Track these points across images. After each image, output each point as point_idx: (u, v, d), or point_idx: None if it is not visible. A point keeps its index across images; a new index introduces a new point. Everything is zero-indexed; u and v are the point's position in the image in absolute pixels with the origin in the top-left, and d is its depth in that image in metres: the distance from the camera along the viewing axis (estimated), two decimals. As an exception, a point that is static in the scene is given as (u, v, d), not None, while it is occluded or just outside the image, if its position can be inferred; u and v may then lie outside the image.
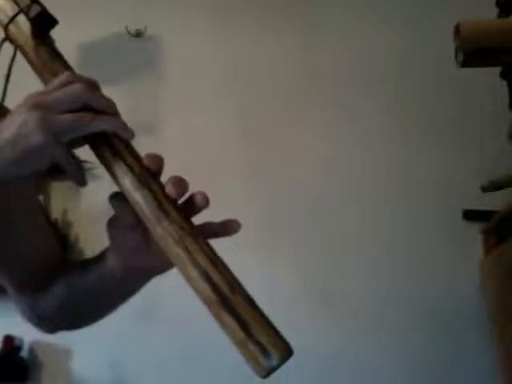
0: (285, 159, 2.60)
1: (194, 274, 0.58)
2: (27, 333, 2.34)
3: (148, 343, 2.37)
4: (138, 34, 2.77)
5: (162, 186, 0.63)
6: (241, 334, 0.56)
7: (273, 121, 2.64)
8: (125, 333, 2.26)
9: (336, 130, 2.63)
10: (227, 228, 0.65)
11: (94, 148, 0.66)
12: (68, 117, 0.63)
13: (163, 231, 0.61)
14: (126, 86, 2.65)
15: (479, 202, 2.40)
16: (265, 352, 0.55)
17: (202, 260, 0.59)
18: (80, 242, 2.33)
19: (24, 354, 2.38)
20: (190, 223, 0.62)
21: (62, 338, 2.41)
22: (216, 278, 0.58)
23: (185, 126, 2.64)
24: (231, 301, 0.57)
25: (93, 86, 0.66)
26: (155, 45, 2.80)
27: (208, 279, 0.58)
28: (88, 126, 0.63)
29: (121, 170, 0.63)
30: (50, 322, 0.87)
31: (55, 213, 2.50)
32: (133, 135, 0.65)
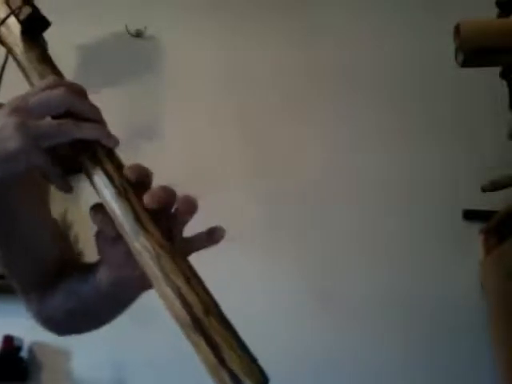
0: (285, 159, 2.60)
1: (169, 292, 0.56)
2: (27, 333, 2.34)
3: (147, 343, 2.36)
4: (138, 34, 2.77)
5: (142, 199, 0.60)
6: (212, 359, 0.52)
7: (273, 121, 2.64)
8: (124, 333, 2.25)
9: (336, 130, 2.63)
10: (214, 236, 0.62)
11: (76, 155, 0.63)
12: (48, 122, 0.61)
13: (140, 246, 0.58)
14: (126, 85, 2.65)
15: (479, 201, 2.40)
16: (236, 380, 0.51)
17: (178, 279, 0.56)
18: (80, 242, 2.32)
19: (24, 354, 2.38)
20: (170, 239, 0.59)
21: (61, 339, 2.40)
22: (190, 298, 0.55)
23: (185, 126, 2.64)
24: (204, 323, 0.54)
25: (78, 92, 0.63)
26: (155, 45, 2.79)
27: (182, 299, 0.55)
28: (68, 133, 0.61)
29: (100, 179, 0.61)
30: (56, 325, 0.87)
31: (55, 213, 2.49)
32: (116, 143, 0.62)
